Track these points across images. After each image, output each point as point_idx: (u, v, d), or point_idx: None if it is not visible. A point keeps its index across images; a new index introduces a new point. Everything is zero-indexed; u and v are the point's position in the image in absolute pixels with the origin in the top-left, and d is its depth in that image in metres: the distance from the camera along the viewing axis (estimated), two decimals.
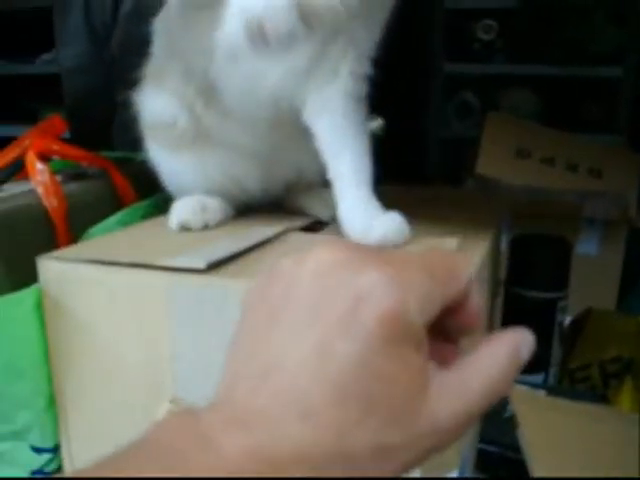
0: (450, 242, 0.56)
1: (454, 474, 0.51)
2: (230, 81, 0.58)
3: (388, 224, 0.56)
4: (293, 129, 0.60)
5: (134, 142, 0.97)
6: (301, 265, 0.29)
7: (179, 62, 0.62)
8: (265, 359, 0.28)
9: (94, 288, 0.54)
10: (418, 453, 0.28)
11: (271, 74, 0.56)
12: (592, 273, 1.28)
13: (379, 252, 0.30)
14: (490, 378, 0.29)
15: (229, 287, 0.50)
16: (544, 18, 1.76)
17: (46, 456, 0.61)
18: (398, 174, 0.91)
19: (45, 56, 2.11)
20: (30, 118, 2.04)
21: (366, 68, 0.58)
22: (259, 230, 0.60)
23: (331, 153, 0.59)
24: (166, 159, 0.68)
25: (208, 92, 0.60)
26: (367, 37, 0.57)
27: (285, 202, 0.70)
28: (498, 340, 0.30)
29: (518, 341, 0.31)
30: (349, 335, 0.27)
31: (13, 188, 0.72)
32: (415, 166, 1.48)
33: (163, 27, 0.63)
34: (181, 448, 0.26)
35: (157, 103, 0.65)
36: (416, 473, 0.47)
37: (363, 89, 0.59)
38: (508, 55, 1.83)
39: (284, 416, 0.26)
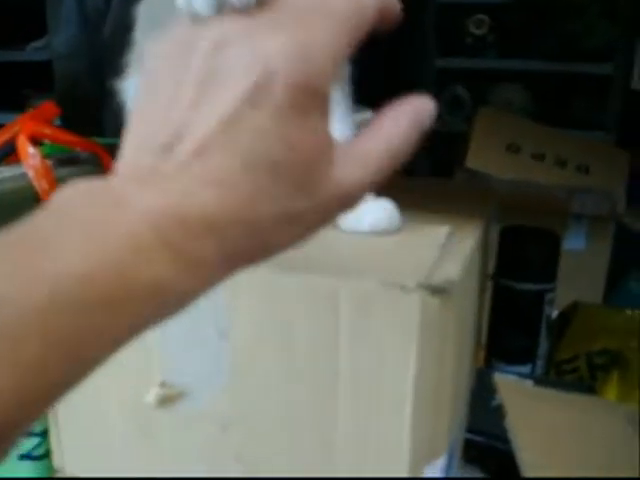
0: (443, 230, 0.56)
1: (442, 460, 0.52)
2: None
3: (379, 212, 0.57)
4: None
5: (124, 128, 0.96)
6: (203, 33, 0.28)
7: None
8: (174, 127, 0.27)
9: None
10: (323, 217, 0.30)
11: None
12: (579, 268, 1.29)
13: (287, 11, 0.28)
14: (391, 144, 0.30)
15: None
16: (536, 13, 1.77)
17: (35, 440, 0.61)
18: None
19: (35, 43, 2.10)
20: (20, 105, 2.04)
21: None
22: None
23: None
24: None
25: None
26: None
27: None
28: (399, 108, 0.31)
29: (419, 107, 0.31)
30: (257, 105, 0.26)
31: (4, 171, 0.72)
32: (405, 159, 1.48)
33: (146, 12, 0.63)
34: (97, 210, 0.25)
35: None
36: (405, 460, 0.47)
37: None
38: (500, 50, 1.84)
39: (194, 182, 0.26)
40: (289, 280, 0.48)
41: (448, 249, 0.53)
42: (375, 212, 0.57)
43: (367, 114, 0.76)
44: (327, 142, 0.29)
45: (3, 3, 1.91)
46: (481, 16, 1.80)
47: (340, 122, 0.56)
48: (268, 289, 0.48)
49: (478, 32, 1.80)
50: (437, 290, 0.45)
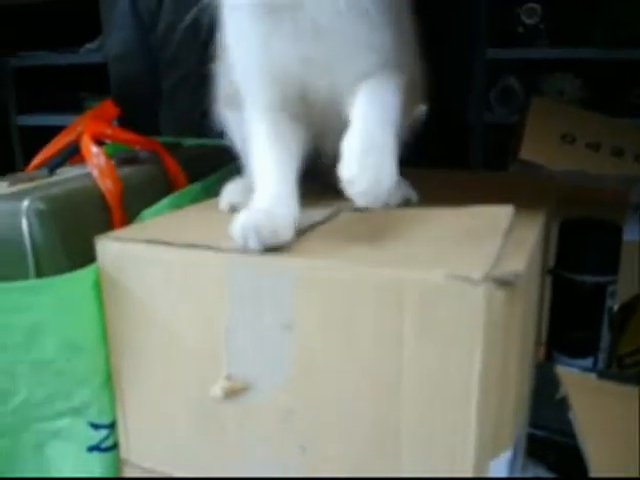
0: (507, 209, 0.56)
1: (507, 455, 0.51)
2: None
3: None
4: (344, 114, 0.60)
5: (180, 128, 0.98)
6: None
7: None
8: None
9: (151, 267, 0.56)
10: None
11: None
12: (639, 260, 1.26)
13: None
14: None
15: (284, 267, 0.50)
16: (588, 1, 1.73)
17: (103, 432, 0.62)
18: (441, 159, 0.91)
19: (89, 45, 2.14)
20: (75, 107, 2.08)
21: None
22: (312, 211, 0.61)
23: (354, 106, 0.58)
24: (229, 116, 0.69)
25: None
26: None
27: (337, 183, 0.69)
28: None
29: None
30: None
31: (69, 171, 0.74)
32: (458, 151, 1.47)
33: None
34: None
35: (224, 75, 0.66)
36: (470, 455, 0.47)
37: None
38: (552, 39, 1.80)
39: None
40: (353, 273, 0.48)
41: (513, 237, 0.53)
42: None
43: (420, 107, 0.75)
44: None
45: (56, 5, 1.95)
46: (532, 5, 1.76)
47: None
48: (332, 282, 0.49)
49: (530, 21, 1.77)
50: (503, 283, 0.44)
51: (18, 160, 2.19)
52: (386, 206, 0.62)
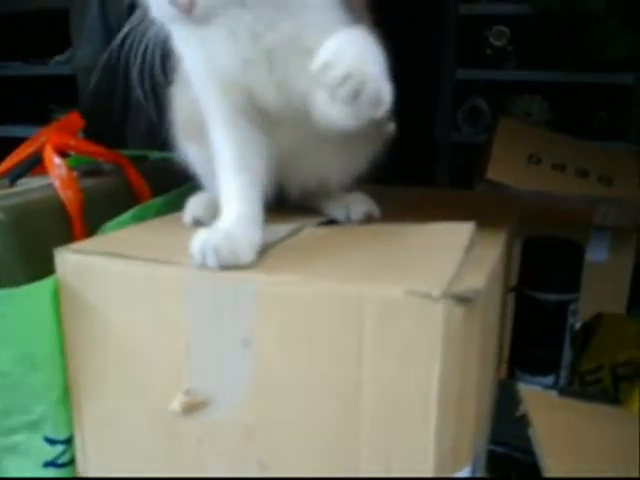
0: (467, 226, 0.56)
1: (466, 471, 0.51)
2: None
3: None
4: (310, 136, 0.59)
5: (147, 141, 0.97)
6: None
7: None
8: None
9: (111, 281, 0.55)
10: None
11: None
12: (602, 280, 1.28)
13: None
14: None
15: (244, 282, 0.50)
16: (557, 25, 1.77)
17: (59, 447, 0.61)
18: (408, 177, 0.92)
19: (58, 57, 2.13)
20: (43, 119, 2.06)
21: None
22: (274, 227, 0.61)
23: None
24: (186, 147, 0.68)
25: None
26: None
27: (300, 200, 0.70)
28: None
29: None
30: None
31: (31, 182, 0.73)
32: (425, 169, 1.48)
33: None
34: None
35: (179, 99, 0.65)
36: (429, 471, 0.47)
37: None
38: (520, 61, 1.83)
39: None
40: (313, 288, 0.48)
41: (474, 254, 0.53)
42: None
43: (389, 125, 0.76)
44: None
45: (26, 18, 1.94)
46: (501, 27, 1.80)
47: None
48: (292, 297, 0.48)
49: (498, 43, 1.80)
50: (462, 299, 0.45)
51: None
52: (347, 221, 0.63)
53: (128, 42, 0.60)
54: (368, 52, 0.48)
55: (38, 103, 2.20)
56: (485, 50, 1.82)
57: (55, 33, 1.81)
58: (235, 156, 0.59)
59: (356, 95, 0.46)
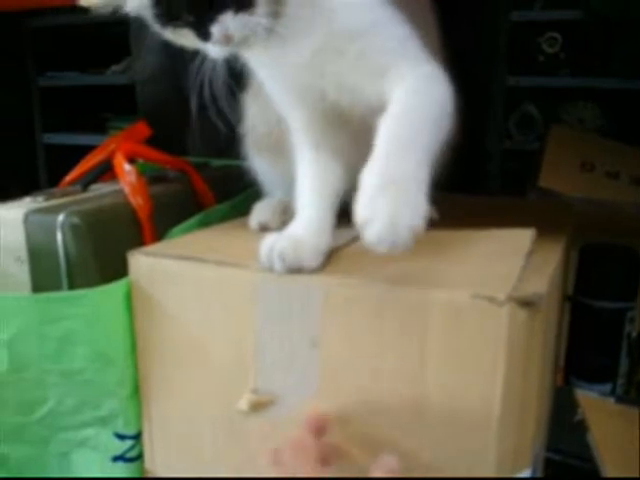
0: (528, 232, 0.57)
1: (526, 474, 0.52)
2: None
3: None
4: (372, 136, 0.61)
5: (207, 150, 1.00)
6: None
7: None
8: None
9: (182, 283, 0.57)
10: None
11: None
12: None
13: None
14: None
15: (313, 285, 0.52)
16: (610, 30, 1.75)
17: (128, 443, 0.64)
18: (460, 184, 0.92)
19: (115, 67, 2.17)
20: (99, 128, 2.12)
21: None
22: (342, 231, 0.62)
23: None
24: (257, 160, 0.71)
25: None
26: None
27: None
28: None
29: None
30: None
31: (102, 188, 0.76)
32: (477, 177, 1.48)
33: None
34: None
35: (250, 109, 0.68)
36: (490, 473, 0.48)
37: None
38: (572, 68, 1.82)
39: None
40: (379, 290, 0.49)
41: (534, 260, 0.54)
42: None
43: None
44: None
45: (85, 28, 2.00)
46: (554, 34, 1.78)
47: None
48: (359, 300, 0.50)
49: (550, 50, 1.78)
50: (526, 303, 0.45)
51: (42, 177, 2.22)
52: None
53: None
54: (406, 197, 0.47)
55: (94, 112, 2.25)
56: (537, 57, 1.81)
57: (112, 43, 1.86)
58: (312, 169, 0.61)
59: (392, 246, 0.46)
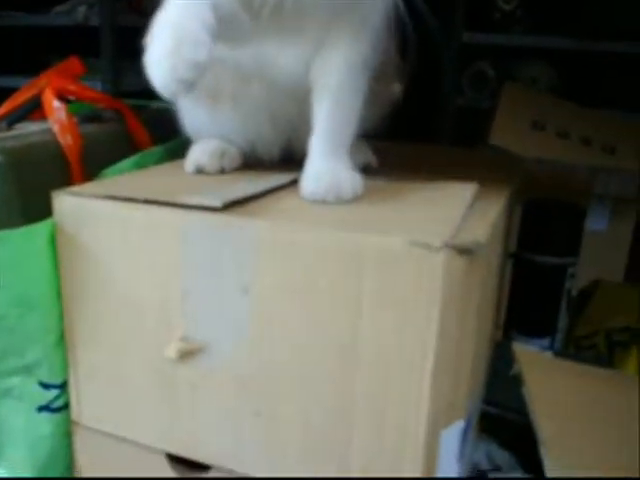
0: (471, 187, 0.56)
1: (459, 425, 0.52)
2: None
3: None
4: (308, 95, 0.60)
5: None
6: None
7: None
8: None
9: (109, 224, 0.54)
10: None
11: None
12: (601, 248, 1.27)
13: None
14: None
15: (244, 227, 0.49)
16: None
17: (54, 392, 0.62)
18: (412, 139, 0.91)
19: (59, 8, 2.10)
20: (43, 70, 2.04)
21: (368, 38, 0.58)
22: (274, 176, 0.60)
23: (317, 109, 0.59)
24: (188, 107, 0.67)
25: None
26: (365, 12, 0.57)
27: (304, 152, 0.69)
28: None
29: None
30: None
31: (29, 126, 0.72)
32: (430, 132, 1.47)
33: None
34: None
35: None
36: (423, 421, 0.47)
37: (364, 57, 0.58)
38: (528, 26, 1.80)
39: None
40: (313, 236, 0.47)
41: (475, 211, 0.53)
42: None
43: (395, 86, 0.75)
44: None
45: None
46: None
47: None
48: (293, 244, 0.48)
49: (507, 7, 1.77)
50: (463, 251, 0.44)
51: None
52: None
53: None
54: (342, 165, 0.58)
55: (37, 53, 2.17)
56: (493, 14, 1.79)
57: None
58: None
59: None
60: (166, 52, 0.49)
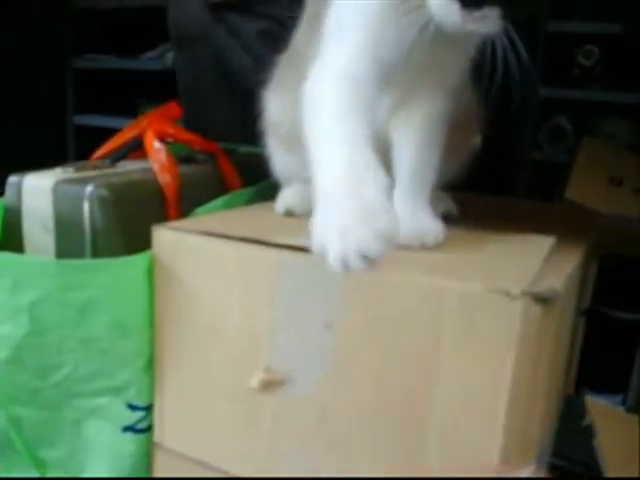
0: (548, 240, 0.57)
1: (529, 472, 0.52)
2: None
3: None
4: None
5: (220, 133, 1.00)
6: None
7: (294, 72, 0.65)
8: None
9: (204, 258, 0.58)
10: None
11: None
12: None
13: None
14: None
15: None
16: None
17: (139, 414, 0.65)
18: (491, 191, 0.92)
19: (149, 53, 2.19)
20: (130, 112, 2.14)
21: (448, 89, 0.61)
22: None
23: (398, 161, 0.62)
24: (280, 152, 0.71)
25: None
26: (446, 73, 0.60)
27: None
28: None
29: None
30: None
31: (131, 165, 0.77)
32: (506, 187, 1.48)
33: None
34: None
35: (273, 104, 0.69)
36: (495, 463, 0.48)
37: (444, 111, 0.61)
38: (607, 82, 1.80)
39: None
40: (397, 278, 0.50)
41: (552, 263, 0.54)
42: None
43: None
44: None
45: (121, 13, 2.02)
46: (590, 47, 1.77)
47: None
48: (376, 285, 0.51)
49: (586, 63, 1.77)
50: (540, 299, 0.46)
51: (71, 158, 2.25)
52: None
53: None
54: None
55: (126, 96, 2.27)
56: (572, 69, 1.80)
57: (147, 29, 1.88)
58: None
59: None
60: (351, 223, 0.44)
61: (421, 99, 0.61)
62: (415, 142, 0.61)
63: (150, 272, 0.61)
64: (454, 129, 0.64)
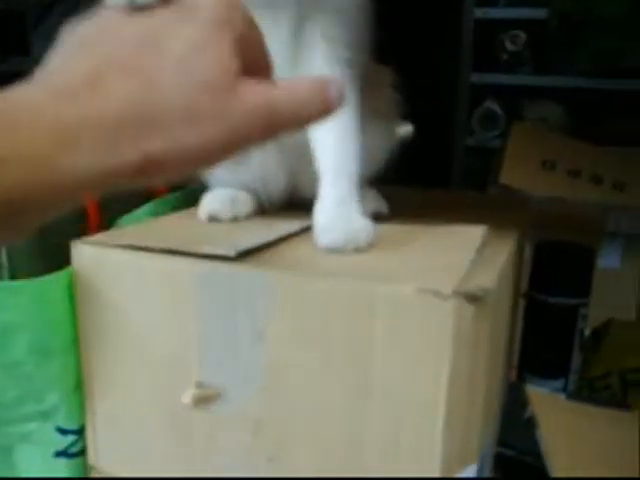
0: (479, 229, 0.56)
1: (472, 469, 0.52)
2: None
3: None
4: None
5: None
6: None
7: None
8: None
9: (126, 273, 0.56)
10: (222, 131, 0.32)
11: None
12: (613, 286, 1.27)
13: None
14: (294, 95, 0.34)
15: (258, 276, 0.51)
16: (574, 30, 1.76)
17: (71, 437, 0.62)
18: (423, 180, 0.92)
19: None
20: None
21: (344, 53, 0.59)
22: (287, 223, 0.61)
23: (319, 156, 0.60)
24: None
25: None
26: (336, 22, 0.58)
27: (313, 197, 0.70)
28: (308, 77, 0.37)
29: (325, 80, 0.35)
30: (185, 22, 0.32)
31: None
32: (440, 173, 1.48)
33: None
34: (12, 114, 0.28)
35: None
36: (436, 468, 0.48)
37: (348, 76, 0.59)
38: (536, 66, 1.83)
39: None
40: (325, 285, 0.48)
41: (484, 255, 0.54)
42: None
43: (406, 127, 0.76)
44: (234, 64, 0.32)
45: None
46: (517, 32, 1.79)
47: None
48: (305, 293, 0.49)
49: (513, 48, 1.79)
50: (472, 298, 0.45)
51: None
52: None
53: None
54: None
55: None
56: (500, 54, 1.82)
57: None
58: None
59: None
60: None
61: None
62: (332, 133, 0.59)
63: (70, 290, 0.58)
64: (374, 117, 0.63)
